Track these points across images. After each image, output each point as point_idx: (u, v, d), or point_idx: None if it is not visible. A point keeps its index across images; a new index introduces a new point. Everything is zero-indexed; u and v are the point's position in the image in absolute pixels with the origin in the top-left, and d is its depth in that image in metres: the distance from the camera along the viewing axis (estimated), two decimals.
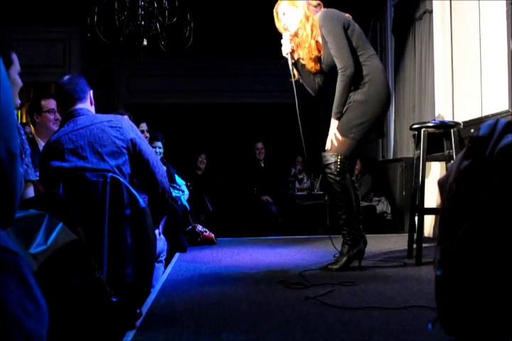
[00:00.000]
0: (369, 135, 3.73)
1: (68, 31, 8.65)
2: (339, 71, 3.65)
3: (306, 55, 3.83)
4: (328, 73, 3.84)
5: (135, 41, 7.19)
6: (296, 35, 3.83)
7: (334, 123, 3.70)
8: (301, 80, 4.00)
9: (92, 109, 3.18)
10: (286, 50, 3.87)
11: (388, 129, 7.33)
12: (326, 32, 3.68)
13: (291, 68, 3.91)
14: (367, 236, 3.90)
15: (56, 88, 3.24)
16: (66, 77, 3.16)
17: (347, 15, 3.79)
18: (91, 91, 3.18)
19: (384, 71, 3.85)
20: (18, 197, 1.35)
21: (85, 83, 3.16)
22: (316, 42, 3.77)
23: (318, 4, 3.82)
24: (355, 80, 3.68)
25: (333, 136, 3.69)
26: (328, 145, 3.71)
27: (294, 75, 3.94)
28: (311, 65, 3.87)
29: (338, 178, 3.64)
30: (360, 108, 3.68)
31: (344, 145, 3.66)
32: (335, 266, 3.64)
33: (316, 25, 3.72)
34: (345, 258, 3.67)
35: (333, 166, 3.64)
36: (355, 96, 3.71)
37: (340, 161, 3.63)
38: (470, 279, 1.45)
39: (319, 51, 3.79)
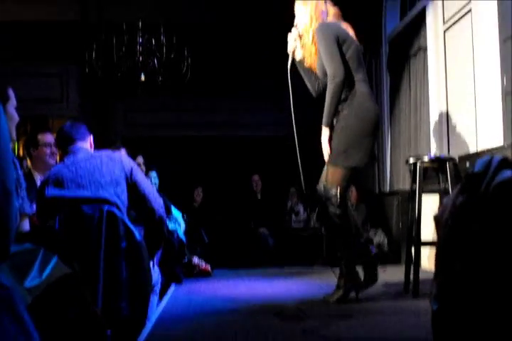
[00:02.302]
0: (359, 160, 3.66)
1: (66, 66, 8.73)
2: (328, 79, 3.64)
3: (309, 57, 3.88)
4: (324, 81, 3.83)
5: (133, 76, 7.27)
6: (301, 36, 3.88)
7: (325, 132, 3.68)
8: (304, 79, 4.02)
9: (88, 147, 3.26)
10: (289, 48, 3.92)
11: (385, 162, 7.36)
12: (318, 41, 3.70)
13: (288, 66, 3.92)
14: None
15: (57, 131, 3.35)
16: (68, 123, 3.31)
17: (350, 32, 3.80)
18: (91, 136, 3.29)
19: (370, 96, 3.79)
20: (13, 232, 1.35)
21: (86, 128, 3.29)
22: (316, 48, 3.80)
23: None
24: (341, 100, 3.68)
25: (324, 143, 3.68)
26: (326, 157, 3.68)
27: (289, 72, 3.92)
28: (314, 67, 3.90)
29: (338, 211, 3.61)
30: (341, 134, 3.66)
31: (339, 176, 3.63)
32: (332, 298, 3.61)
33: None
34: (342, 291, 3.63)
35: (333, 199, 3.60)
36: (338, 123, 3.70)
37: (340, 193, 3.60)
38: (466, 314, 1.44)
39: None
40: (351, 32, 3.85)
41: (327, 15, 3.83)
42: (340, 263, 3.69)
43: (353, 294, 3.66)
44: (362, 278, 3.73)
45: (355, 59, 3.76)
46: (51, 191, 2.95)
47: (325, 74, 3.74)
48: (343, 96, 3.69)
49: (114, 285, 2.73)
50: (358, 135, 3.65)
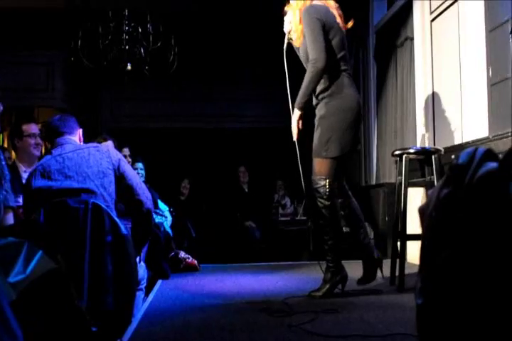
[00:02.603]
0: (341, 150, 3.64)
1: (52, 55, 8.64)
2: (310, 62, 3.59)
3: (297, 39, 3.81)
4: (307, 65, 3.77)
5: (119, 65, 7.22)
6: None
7: (296, 113, 3.66)
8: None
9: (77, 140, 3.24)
10: (284, 28, 3.90)
11: (371, 155, 7.36)
12: (304, 23, 3.65)
13: (284, 47, 3.88)
14: (349, 262, 3.90)
15: (46, 124, 3.32)
16: (56, 116, 3.27)
17: (338, 17, 3.76)
18: (80, 130, 3.28)
19: (352, 86, 3.75)
20: None
21: (75, 121, 3.27)
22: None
23: None
24: (320, 91, 3.68)
25: (294, 125, 3.67)
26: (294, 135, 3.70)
27: (285, 53, 3.87)
28: (296, 39, 3.84)
29: (327, 203, 3.61)
30: (324, 124, 3.66)
31: (326, 166, 3.62)
32: (318, 293, 3.62)
33: None
34: (328, 285, 3.64)
35: (321, 190, 3.60)
36: (319, 112, 3.70)
37: (328, 184, 3.60)
38: (451, 307, 1.44)
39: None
40: (339, 15, 3.81)
41: None
42: (326, 257, 3.68)
43: (339, 288, 3.68)
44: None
45: (340, 47, 3.72)
46: (38, 182, 2.95)
47: (307, 57, 3.68)
48: (324, 86, 3.68)
49: (99, 279, 2.72)
50: (339, 125, 3.63)
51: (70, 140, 3.15)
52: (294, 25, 3.81)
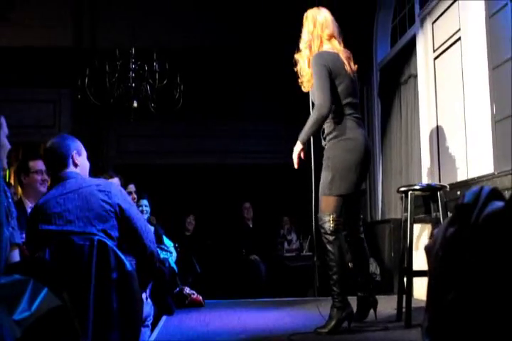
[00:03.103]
0: (345, 189, 3.74)
1: (59, 92, 8.76)
2: (315, 107, 3.74)
3: (306, 83, 3.96)
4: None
5: (125, 103, 7.30)
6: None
7: (298, 146, 3.81)
8: None
9: (79, 169, 3.14)
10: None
11: (376, 190, 7.37)
12: (312, 71, 3.79)
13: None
14: (355, 297, 3.88)
15: (45, 152, 3.17)
16: (55, 140, 3.14)
17: (347, 67, 3.89)
18: (83, 152, 3.14)
19: (358, 129, 3.86)
20: (3, 262, 1.34)
21: (75, 145, 3.12)
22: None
23: (331, 36, 3.92)
24: (326, 134, 3.82)
25: (295, 155, 3.81)
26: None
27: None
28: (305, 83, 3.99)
29: (331, 238, 3.66)
30: (329, 164, 3.79)
31: (331, 204, 3.71)
32: (324, 330, 3.57)
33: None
34: (334, 321, 3.59)
35: (326, 225, 3.67)
36: (326, 153, 3.84)
37: (333, 220, 3.66)
38: None
39: None
40: (347, 58, 3.93)
41: (328, 38, 3.91)
42: (332, 292, 3.67)
43: (345, 324, 3.64)
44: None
45: (346, 94, 3.85)
46: (39, 225, 2.90)
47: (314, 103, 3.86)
48: (329, 129, 3.83)
49: (105, 316, 2.70)
50: (343, 165, 3.75)
51: (72, 173, 3.04)
52: (302, 71, 3.95)
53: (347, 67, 3.88)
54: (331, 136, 3.82)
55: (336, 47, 3.91)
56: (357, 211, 4.05)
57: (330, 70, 3.76)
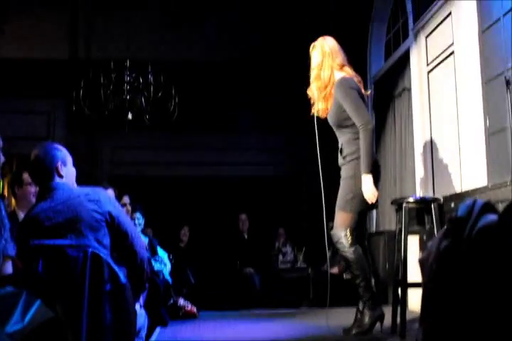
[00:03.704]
0: (363, 206, 3.93)
1: (53, 104, 8.75)
2: (360, 128, 3.86)
3: (321, 108, 4.12)
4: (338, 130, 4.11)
5: (120, 115, 7.30)
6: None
7: (369, 178, 3.84)
8: None
9: (65, 180, 3.05)
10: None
11: None
12: (342, 94, 3.93)
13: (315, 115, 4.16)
14: (351, 308, 3.89)
15: (29, 165, 3.12)
16: (38, 152, 3.08)
17: (362, 90, 4.10)
18: (59, 163, 3.05)
19: (373, 147, 4.05)
20: None
21: (61, 155, 3.07)
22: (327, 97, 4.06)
23: (342, 65, 4.06)
24: (348, 153, 3.94)
25: (371, 190, 3.85)
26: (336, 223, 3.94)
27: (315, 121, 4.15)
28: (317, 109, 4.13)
29: (351, 250, 3.85)
30: (349, 183, 3.93)
31: (347, 219, 3.89)
32: (359, 330, 3.77)
33: (329, 83, 4.02)
34: (369, 321, 3.81)
35: (343, 240, 3.86)
36: (346, 172, 3.97)
37: (349, 234, 3.85)
38: None
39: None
40: (361, 85, 4.13)
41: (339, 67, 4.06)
42: (362, 298, 3.86)
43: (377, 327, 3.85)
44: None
45: None
46: (31, 241, 2.85)
47: (338, 125, 4.02)
48: (352, 149, 3.95)
49: (98, 328, 2.68)
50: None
51: (58, 184, 2.99)
52: (317, 100, 4.10)
53: (362, 91, 4.08)
54: (352, 157, 3.94)
55: (349, 73, 4.07)
56: (364, 222, 4.31)
57: (357, 92, 3.95)
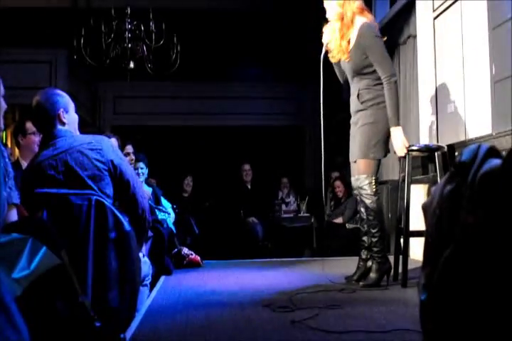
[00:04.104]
0: (384, 153, 3.97)
1: (55, 53, 8.65)
2: (385, 79, 3.87)
3: (338, 52, 4.04)
4: (347, 78, 4.12)
5: (122, 63, 7.21)
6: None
7: (399, 130, 3.89)
8: (335, 67, 4.24)
9: (68, 127, 3.05)
10: (324, 39, 4.08)
11: None
12: (369, 42, 3.89)
13: (321, 57, 4.07)
14: (353, 258, 3.92)
15: (32, 112, 3.10)
16: (40, 98, 3.06)
17: None
18: (61, 110, 3.03)
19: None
20: (1, 222, 1.34)
21: (63, 101, 3.06)
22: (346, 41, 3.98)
23: (362, 9, 3.99)
24: (368, 99, 3.92)
25: (403, 142, 3.91)
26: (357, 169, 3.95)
27: (322, 63, 4.06)
28: (336, 54, 4.06)
29: (374, 198, 3.89)
30: (373, 129, 3.91)
31: (371, 166, 3.91)
32: (367, 283, 3.81)
33: (351, 25, 3.93)
34: (376, 275, 3.85)
35: (368, 187, 3.87)
36: (366, 118, 3.94)
37: (374, 182, 3.89)
38: (454, 303, 1.45)
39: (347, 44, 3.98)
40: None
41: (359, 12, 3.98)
42: (373, 248, 3.90)
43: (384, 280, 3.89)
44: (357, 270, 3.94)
45: None
46: (35, 189, 2.87)
47: (357, 71, 3.96)
48: (373, 95, 3.94)
49: (103, 275, 2.72)
50: (385, 131, 3.93)
51: (60, 132, 2.99)
52: (335, 41, 4.01)
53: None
54: (372, 102, 3.93)
55: (370, 18, 4.01)
56: None
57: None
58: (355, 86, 4.02)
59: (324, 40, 4.09)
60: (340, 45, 3.98)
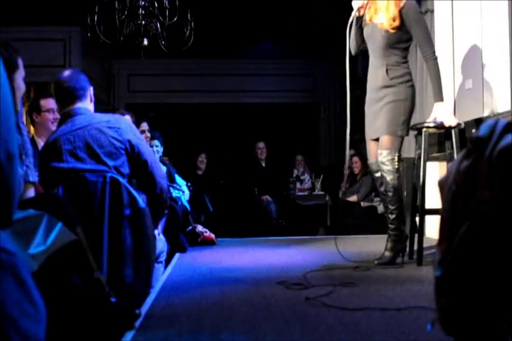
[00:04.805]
0: (409, 130, 3.98)
1: (69, 31, 8.64)
2: (429, 55, 3.90)
3: (386, 21, 3.90)
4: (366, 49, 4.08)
5: (135, 41, 7.19)
6: None
7: (442, 106, 3.94)
8: (351, 36, 4.14)
9: (91, 106, 3.14)
10: (355, 4, 4.01)
11: None
12: (415, 18, 3.87)
13: (349, 21, 4.04)
14: (368, 236, 3.92)
15: (56, 84, 3.14)
16: (67, 73, 3.12)
17: None
18: (91, 88, 3.14)
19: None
20: (17, 198, 1.34)
21: (86, 79, 3.13)
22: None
23: None
24: (398, 76, 3.91)
25: (452, 116, 4.01)
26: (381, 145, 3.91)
27: (349, 28, 4.06)
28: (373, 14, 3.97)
29: (396, 175, 3.87)
30: (402, 106, 3.90)
31: (395, 143, 3.88)
32: (382, 261, 3.80)
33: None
34: (391, 253, 3.84)
35: (390, 163, 3.85)
36: (395, 95, 3.90)
37: (398, 159, 3.88)
38: (469, 279, 1.44)
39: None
40: None
41: None
42: (390, 225, 3.89)
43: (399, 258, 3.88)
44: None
45: None
46: (51, 163, 2.90)
47: (390, 45, 3.88)
48: (402, 72, 3.94)
49: (118, 252, 2.74)
50: (412, 109, 3.97)
51: (81, 109, 3.02)
52: (389, 5, 3.88)
53: None
54: (401, 80, 3.91)
55: None
56: None
57: None
58: (381, 61, 3.94)
59: (356, 4, 4.00)
60: (387, 9, 3.87)
